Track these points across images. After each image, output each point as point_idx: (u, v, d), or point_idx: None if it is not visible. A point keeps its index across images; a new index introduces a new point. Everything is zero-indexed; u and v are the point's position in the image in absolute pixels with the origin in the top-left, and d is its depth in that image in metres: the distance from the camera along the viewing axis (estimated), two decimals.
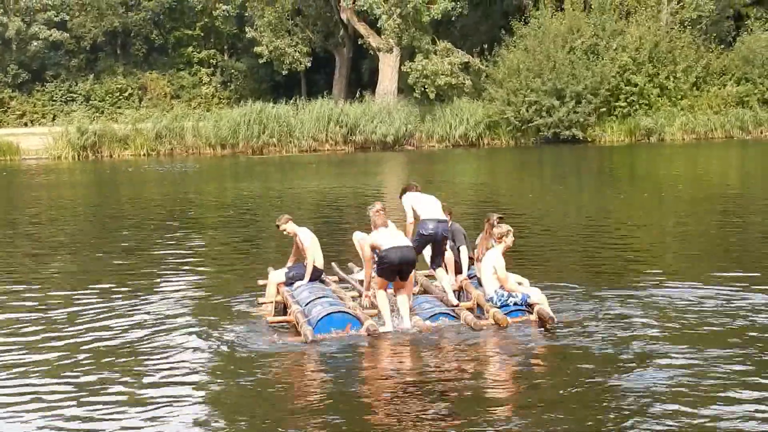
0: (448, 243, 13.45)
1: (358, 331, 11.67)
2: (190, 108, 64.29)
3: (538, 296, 12.27)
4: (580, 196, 29.84)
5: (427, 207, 12.93)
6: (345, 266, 15.16)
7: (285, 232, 13.84)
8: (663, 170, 37.18)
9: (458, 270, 13.73)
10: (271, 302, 13.24)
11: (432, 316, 12.14)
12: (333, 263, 14.92)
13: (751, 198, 27.35)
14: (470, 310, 12.50)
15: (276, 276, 13.59)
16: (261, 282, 14.08)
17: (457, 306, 12.52)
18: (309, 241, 13.55)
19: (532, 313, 12.11)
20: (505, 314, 11.98)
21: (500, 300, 12.34)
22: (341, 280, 14.34)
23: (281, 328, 12.31)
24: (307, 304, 12.40)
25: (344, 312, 11.94)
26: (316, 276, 13.67)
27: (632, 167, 41.05)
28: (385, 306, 12.01)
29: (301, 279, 13.46)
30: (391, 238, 12.10)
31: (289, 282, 13.52)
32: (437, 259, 13.11)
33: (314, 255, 13.53)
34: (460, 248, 13.82)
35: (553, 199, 28.49)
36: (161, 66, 70.14)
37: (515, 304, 12.27)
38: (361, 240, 13.57)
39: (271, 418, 8.97)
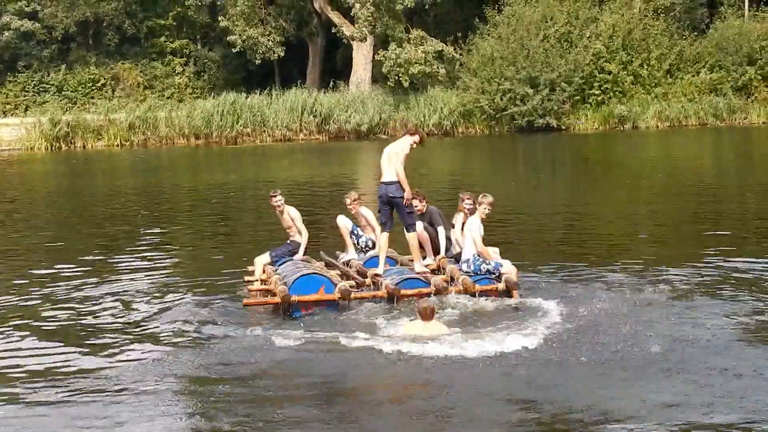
0: (422, 224, 13.57)
1: (332, 294, 12.09)
2: (163, 98, 63.83)
3: (508, 267, 12.64)
4: (554, 184, 29.86)
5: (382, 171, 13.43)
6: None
7: (277, 203, 13.97)
8: (638, 157, 37.27)
9: (436, 251, 13.92)
10: (257, 280, 13.54)
11: (403, 280, 12.48)
12: (321, 252, 14.73)
13: (724, 184, 27.48)
14: (445, 282, 12.69)
15: (262, 258, 13.84)
16: (250, 269, 14.08)
17: (421, 273, 12.86)
18: (299, 219, 13.93)
19: (500, 283, 12.51)
20: (474, 282, 12.49)
21: (474, 263, 12.74)
22: (329, 265, 14.07)
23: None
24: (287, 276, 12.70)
25: (318, 274, 12.40)
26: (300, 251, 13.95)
27: (607, 155, 41.07)
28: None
29: (285, 257, 13.72)
30: None
31: (274, 260, 13.75)
32: (407, 220, 13.28)
33: (303, 230, 13.92)
34: (438, 229, 13.93)
35: (528, 187, 28.49)
36: (134, 56, 69.48)
37: (487, 271, 12.68)
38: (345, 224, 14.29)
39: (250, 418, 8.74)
